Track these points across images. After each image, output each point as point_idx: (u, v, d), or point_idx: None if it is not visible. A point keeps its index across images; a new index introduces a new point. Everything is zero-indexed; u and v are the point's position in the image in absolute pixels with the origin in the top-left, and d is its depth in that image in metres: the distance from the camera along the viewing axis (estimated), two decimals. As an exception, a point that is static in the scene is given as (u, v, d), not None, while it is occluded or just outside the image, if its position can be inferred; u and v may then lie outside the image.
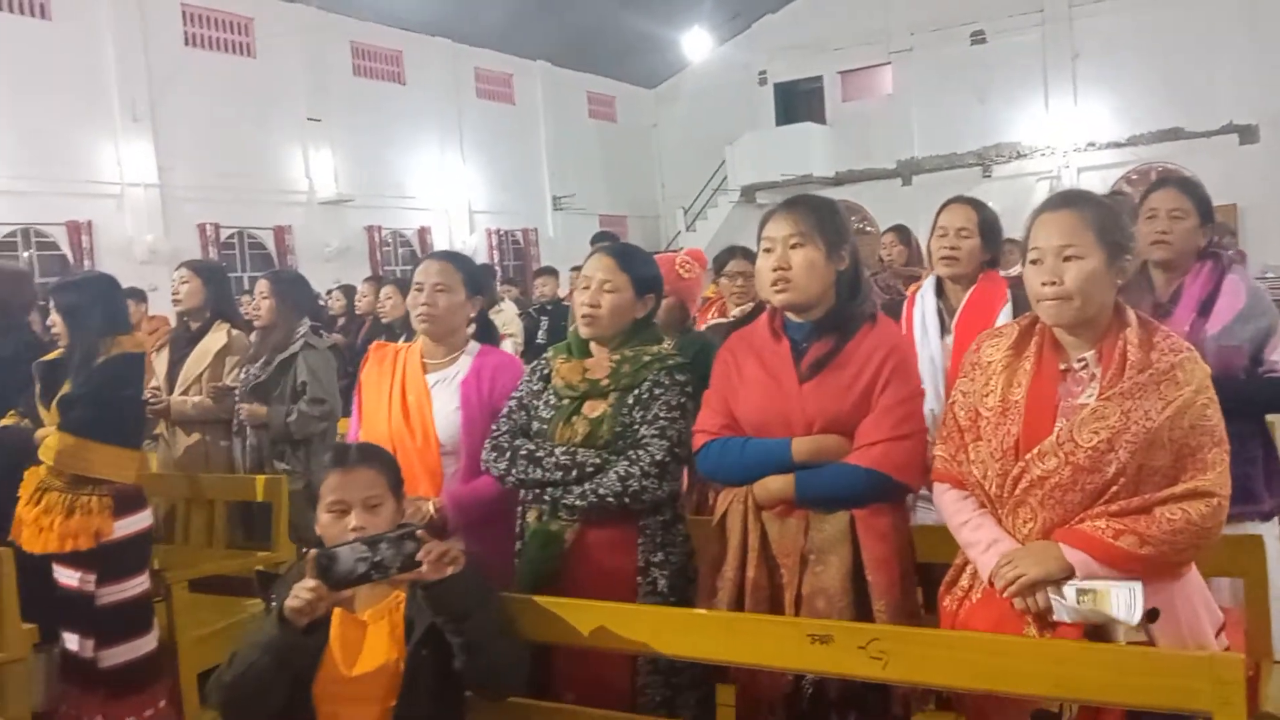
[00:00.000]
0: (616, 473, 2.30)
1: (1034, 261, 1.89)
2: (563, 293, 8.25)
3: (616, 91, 21.56)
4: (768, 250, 2.23)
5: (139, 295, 7.14)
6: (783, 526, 2.18)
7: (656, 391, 2.38)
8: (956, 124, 18.79)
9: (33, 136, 11.67)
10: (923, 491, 2.25)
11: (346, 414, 4.92)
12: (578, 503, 2.32)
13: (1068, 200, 1.93)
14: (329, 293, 8.33)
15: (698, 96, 21.40)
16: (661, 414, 2.35)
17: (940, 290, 3.14)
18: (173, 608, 3.48)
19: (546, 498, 2.38)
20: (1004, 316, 2.95)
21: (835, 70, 20.47)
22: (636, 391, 2.38)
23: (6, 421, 3.41)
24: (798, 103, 20.96)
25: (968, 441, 1.97)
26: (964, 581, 2.00)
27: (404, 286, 5.75)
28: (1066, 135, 18.13)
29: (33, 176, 11.71)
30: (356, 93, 15.86)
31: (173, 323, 4.86)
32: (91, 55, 12.45)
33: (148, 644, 3.30)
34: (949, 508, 2.01)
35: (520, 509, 2.49)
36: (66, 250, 12.21)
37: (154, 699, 3.31)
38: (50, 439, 3.16)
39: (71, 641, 3.21)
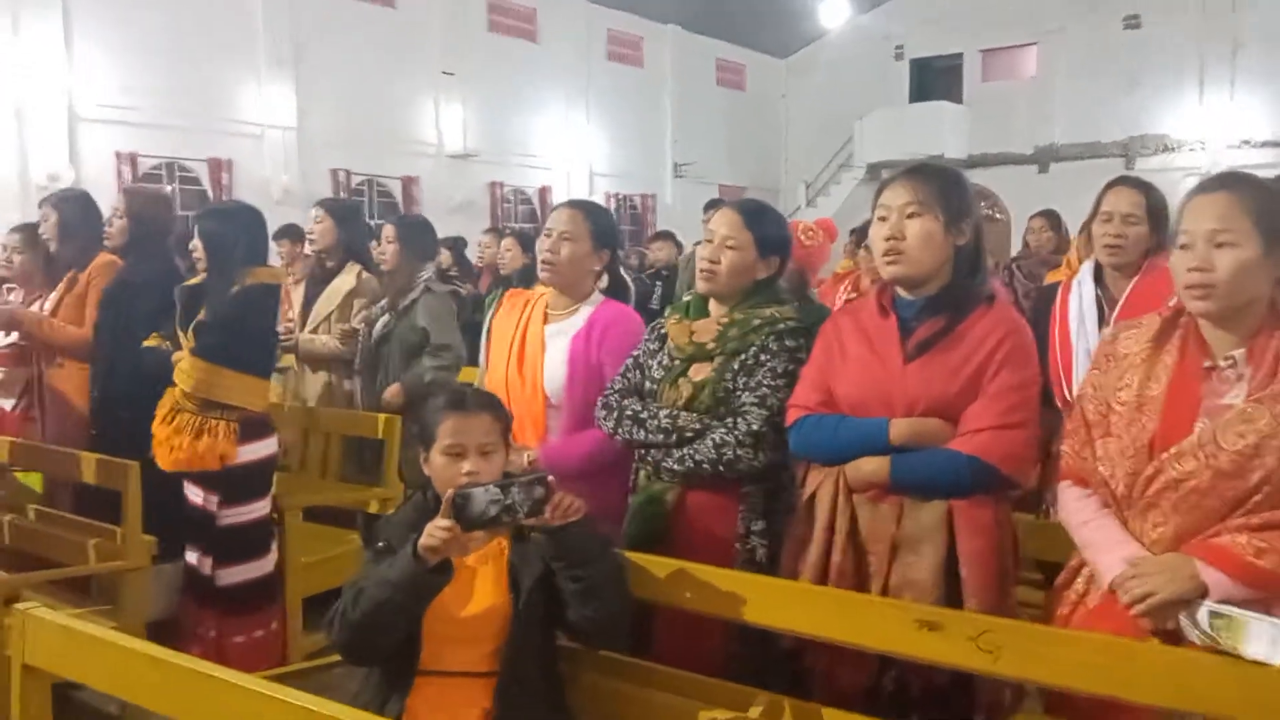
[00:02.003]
0: (712, 439, 2.26)
1: (1183, 246, 1.76)
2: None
3: (747, 60, 21.28)
4: (882, 219, 2.11)
5: (296, 234, 7.30)
6: (874, 511, 2.07)
7: (763, 358, 2.31)
8: (1101, 111, 18.01)
9: (183, 74, 12.18)
10: None
11: (471, 362, 5.06)
12: (676, 466, 2.31)
13: (1225, 182, 1.78)
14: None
15: (830, 69, 20.98)
16: (765, 381, 2.28)
17: (1099, 278, 2.98)
18: (285, 534, 3.61)
19: (649, 459, 2.37)
20: None
21: (977, 48, 19.80)
22: (742, 356, 2.33)
23: (150, 343, 3.54)
24: (934, 80, 20.36)
25: (1095, 437, 1.85)
26: (1078, 586, 1.89)
27: (524, 238, 5.81)
28: (1220, 130, 17.18)
29: (180, 113, 12.23)
30: (489, 48, 16.04)
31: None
32: (241, -3, 12.89)
33: (263, 567, 3.41)
34: (1069, 505, 1.90)
35: (635, 467, 2.49)
36: (207, 186, 12.73)
37: (265, 620, 3.43)
38: (184, 363, 3.27)
39: (193, 558, 3.35)
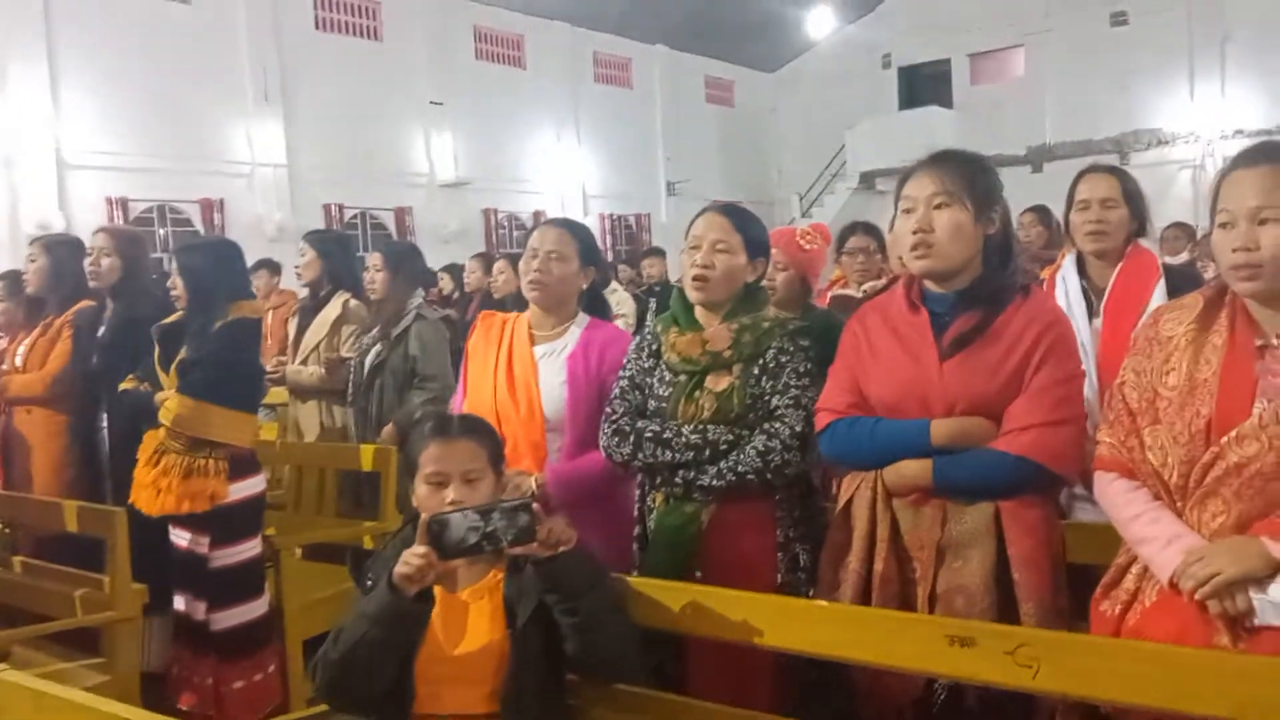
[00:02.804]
0: (755, 447, 2.17)
1: (1223, 225, 1.66)
2: (672, 275, 8.19)
3: (735, 75, 21.32)
4: (908, 211, 2.02)
5: (273, 266, 7.31)
6: (917, 516, 1.98)
7: (782, 359, 2.24)
8: (1093, 109, 17.96)
9: (170, 116, 12.16)
10: (1078, 490, 2.01)
11: (461, 389, 4.92)
12: (714, 483, 2.19)
13: (1266, 153, 1.67)
14: (436, 273, 8.40)
15: (818, 80, 20.99)
16: (792, 382, 2.21)
17: (1082, 269, 2.89)
18: (282, 574, 3.49)
19: (678, 480, 2.25)
20: (1158, 295, 2.68)
21: (964, 53, 19.81)
22: (762, 361, 2.25)
23: (126, 385, 3.45)
24: (922, 86, 20.36)
25: (1141, 426, 1.74)
26: (1128, 584, 1.76)
27: (516, 261, 5.70)
28: (1212, 122, 17.10)
29: (169, 155, 12.20)
30: (478, 77, 16.05)
31: (301, 296, 4.94)
32: (226, 38, 12.88)
33: (258, 608, 3.30)
34: (1116, 499, 1.77)
35: (640, 492, 2.38)
36: (199, 227, 12.68)
37: (263, 664, 3.31)
38: (170, 401, 3.18)
39: (184, 603, 3.23)
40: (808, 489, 2.30)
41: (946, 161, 2.04)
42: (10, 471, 3.79)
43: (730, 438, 2.20)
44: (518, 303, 5.33)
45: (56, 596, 3.17)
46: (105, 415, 3.73)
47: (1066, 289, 2.85)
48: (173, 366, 3.24)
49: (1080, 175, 2.89)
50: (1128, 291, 2.70)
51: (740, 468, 2.17)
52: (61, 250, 3.94)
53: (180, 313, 3.36)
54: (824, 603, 1.90)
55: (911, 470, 1.97)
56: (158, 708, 3.16)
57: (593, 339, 2.60)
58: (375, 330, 4.26)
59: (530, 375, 2.57)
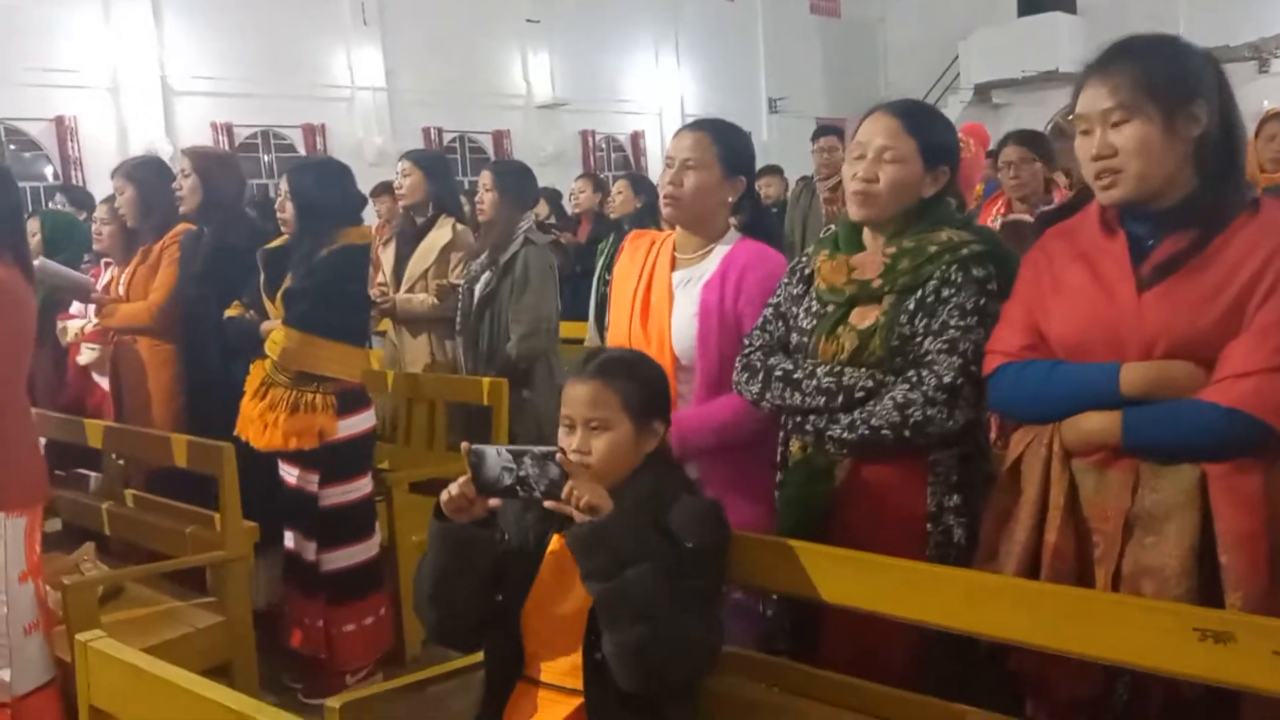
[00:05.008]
0: (894, 399, 1.83)
1: None
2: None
3: (841, -16, 20.36)
4: (1085, 132, 1.66)
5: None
6: (1101, 481, 1.63)
7: (945, 292, 1.85)
8: (1229, 12, 16.56)
9: (271, 41, 12.19)
10: None
11: (578, 316, 4.69)
12: (845, 434, 1.87)
13: None
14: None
15: (930, -13, 19.89)
16: (952, 321, 1.83)
17: None
18: (393, 511, 3.37)
19: (809, 428, 1.95)
20: None
21: (1091, -49, 18.48)
22: (919, 293, 1.88)
23: (232, 312, 3.32)
24: (1044, -10, 19.13)
25: None
26: None
27: (635, 180, 5.44)
28: (1368, 23, 15.72)
29: (272, 80, 12.24)
30: (574, -10, 15.61)
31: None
32: (324, -42, 12.75)
33: (369, 549, 3.18)
34: None
35: (781, 435, 2.08)
36: (302, 151, 12.73)
37: (375, 606, 3.20)
38: (276, 333, 3.04)
39: (294, 542, 3.12)
40: (973, 450, 1.93)
41: (1118, 62, 1.64)
42: (122, 400, 3.70)
43: (869, 384, 1.87)
44: (636, 224, 5.05)
45: (167, 532, 3.09)
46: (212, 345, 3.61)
47: None
48: (278, 294, 3.08)
49: None
50: None
51: (875, 420, 1.84)
52: (145, 174, 3.76)
53: (285, 237, 3.18)
54: (1029, 581, 1.59)
55: (1095, 424, 1.62)
56: (268, 647, 3.11)
57: (733, 262, 2.24)
58: (483, 256, 4.05)
59: (664, 306, 2.27)
